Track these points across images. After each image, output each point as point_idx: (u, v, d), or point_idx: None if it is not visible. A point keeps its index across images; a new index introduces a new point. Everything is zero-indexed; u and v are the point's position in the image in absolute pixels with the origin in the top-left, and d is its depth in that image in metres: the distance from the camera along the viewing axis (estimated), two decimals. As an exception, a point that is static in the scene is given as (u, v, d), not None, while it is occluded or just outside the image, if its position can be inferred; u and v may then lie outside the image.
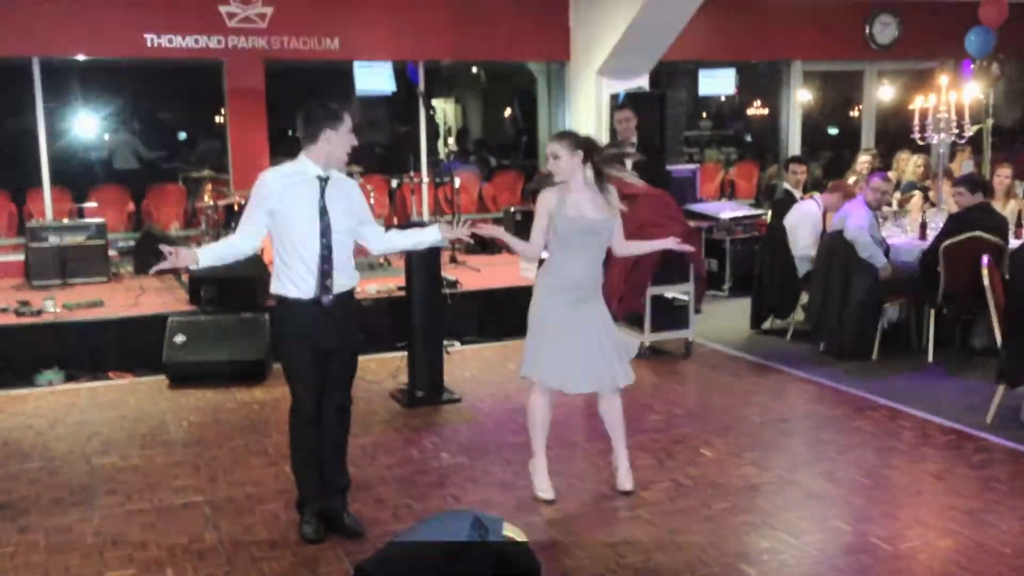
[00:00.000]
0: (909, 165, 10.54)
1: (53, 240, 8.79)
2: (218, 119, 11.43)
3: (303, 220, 4.13)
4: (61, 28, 9.47)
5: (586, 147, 4.54)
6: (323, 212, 4.13)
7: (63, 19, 9.46)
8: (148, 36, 9.76)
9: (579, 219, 4.50)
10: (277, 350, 4.39)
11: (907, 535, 4.24)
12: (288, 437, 4.36)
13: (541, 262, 4.82)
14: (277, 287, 4.22)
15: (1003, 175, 8.59)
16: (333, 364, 4.23)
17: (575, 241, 4.50)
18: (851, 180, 9.17)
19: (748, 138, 15.23)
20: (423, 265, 6.34)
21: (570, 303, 4.53)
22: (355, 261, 9.54)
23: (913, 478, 4.91)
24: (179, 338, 6.88)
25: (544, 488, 4.69)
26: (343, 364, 4.30)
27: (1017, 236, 7.38)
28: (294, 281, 4.14)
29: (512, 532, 2.57)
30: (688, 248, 4.77)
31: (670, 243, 4.79)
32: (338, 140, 4.19)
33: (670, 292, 7.45)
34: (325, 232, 4.12)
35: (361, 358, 7.36)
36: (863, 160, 10.54)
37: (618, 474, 4.76)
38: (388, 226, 10.12)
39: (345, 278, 4.23)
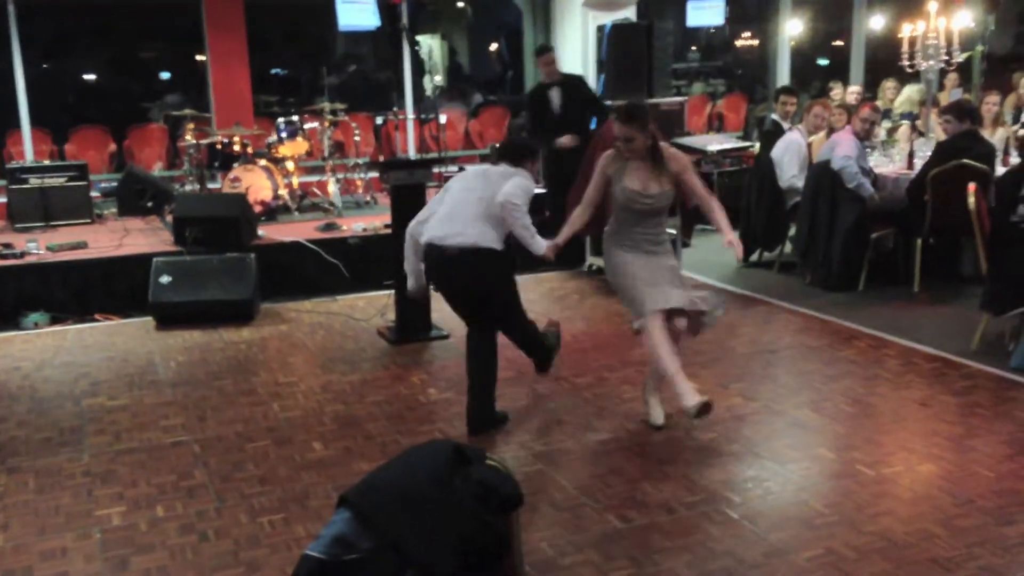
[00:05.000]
0: (903, 95, 10.46)
1: (34, 182, 8.69)
2: (200, 57, 11.24)
3: None
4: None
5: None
6: None
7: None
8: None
9: None
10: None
11: (891, 460, 4.29)
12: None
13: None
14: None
15: (991, 103, 8.54)
16: None
17: None
18: (835, 103, 9.07)
19: (739, 71, 15.08)
20: (409, 203, 6.28)
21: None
22: (342, 199, 9.51)
23: (897, 405, 4.96)
24: (164, 279, 6.85)
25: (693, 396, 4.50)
26: None
27: (1004, 164, 7.36)
28: None
29: (495, 462, 2.58)
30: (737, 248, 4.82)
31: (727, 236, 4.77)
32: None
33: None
34: None
35: (349, 296, 7.47)
36: (852, 90, 10.47)
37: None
38: (373, 162, 10.08)
39: None
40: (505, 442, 4.61)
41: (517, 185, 4.68)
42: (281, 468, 4.37)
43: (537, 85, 8.34)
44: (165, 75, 13.51)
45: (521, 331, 4.97)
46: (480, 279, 4.68)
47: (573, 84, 8.31)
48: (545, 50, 8.29)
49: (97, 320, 7.01)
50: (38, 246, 7.48)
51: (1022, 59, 14.48)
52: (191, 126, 9.30)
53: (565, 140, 7.78)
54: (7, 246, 7.47)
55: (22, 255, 7.30)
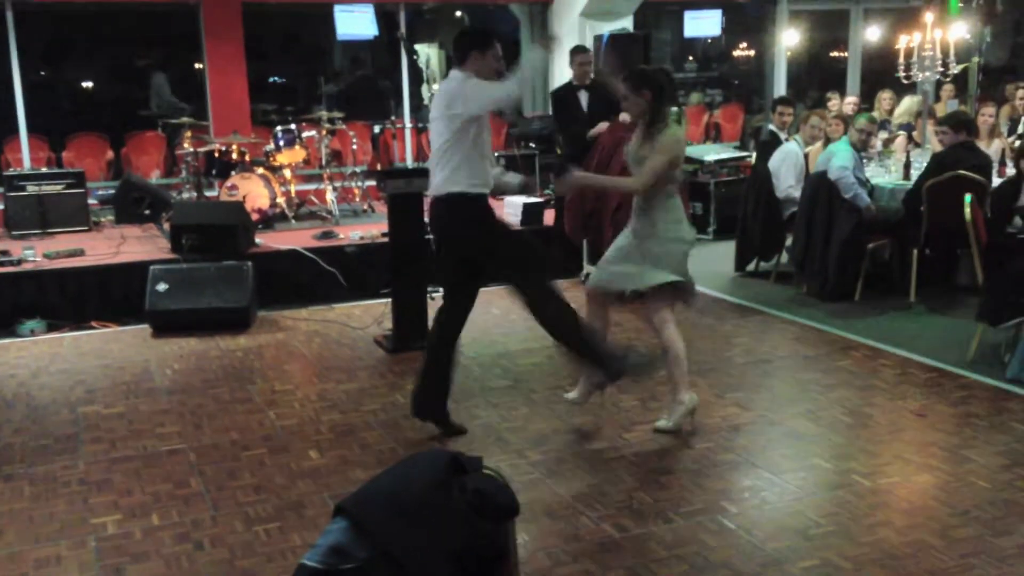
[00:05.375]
0: (903, 106, 10.49)
1: (32, 189, 8.68)
2: (198, 65, 11.26)
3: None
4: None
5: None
6: None
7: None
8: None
9: None
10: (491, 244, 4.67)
11: (887, 471, 4.29)
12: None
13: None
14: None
15: (987, 114, 8.58)
16: None
17: None
18: (831, 114, 9.10)
19: (736, 81, 15.12)
20: (406, 211, 6.29)
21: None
22: (339, 207, 9.45)
23: (894, 416, 4.96)
24: (161, 286, 6.84)
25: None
26: None
27: (1000, 175, 7.38)
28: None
29: (491, 471, 2.58)
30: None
31: None
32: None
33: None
34: None
35: (346, 304, 7.47)
36: (848, 101, 10.50)
37: None
38: (371, 170, 10.09)
39: None
40: (501, 451, 4.61)
41: (469, 97, 4.43)
42: (277, 476, 4.37)
43: (567, 85, 8.32)
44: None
45: (525, 275, 4.66)
46: (451, 226, 4.63)
47: (602, 89, 8.35)
48: (584, 50, 8.31)
49: (93, 327, 7.00)
50: (35, 253, 7.47)
51: (1017, 70, 14.54)
52: (189, 134, 9.31)
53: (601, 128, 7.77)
54: (4, 253, 7.46)
55: (19, 262, 7.29)
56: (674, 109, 4.90)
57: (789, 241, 7.76)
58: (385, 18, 11.45)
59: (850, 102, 10.45)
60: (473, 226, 4.64)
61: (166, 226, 8.14)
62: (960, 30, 9.57)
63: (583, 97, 8.10)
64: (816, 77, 15.07)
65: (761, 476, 4.26)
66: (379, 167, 10.67)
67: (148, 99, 12.21)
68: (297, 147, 9.14)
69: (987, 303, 5.64)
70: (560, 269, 4.69)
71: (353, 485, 4.10)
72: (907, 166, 7.69)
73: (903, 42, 8.23)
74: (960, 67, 8.70)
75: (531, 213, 8.49)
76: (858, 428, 4.81)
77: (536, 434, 4.81)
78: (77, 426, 5.06)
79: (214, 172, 9.10)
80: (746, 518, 3.87)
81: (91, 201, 9.25)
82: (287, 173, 9.15)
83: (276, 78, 14.13)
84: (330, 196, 9.27)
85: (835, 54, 14.37)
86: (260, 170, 8.79)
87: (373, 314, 7.02)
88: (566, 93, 8.27)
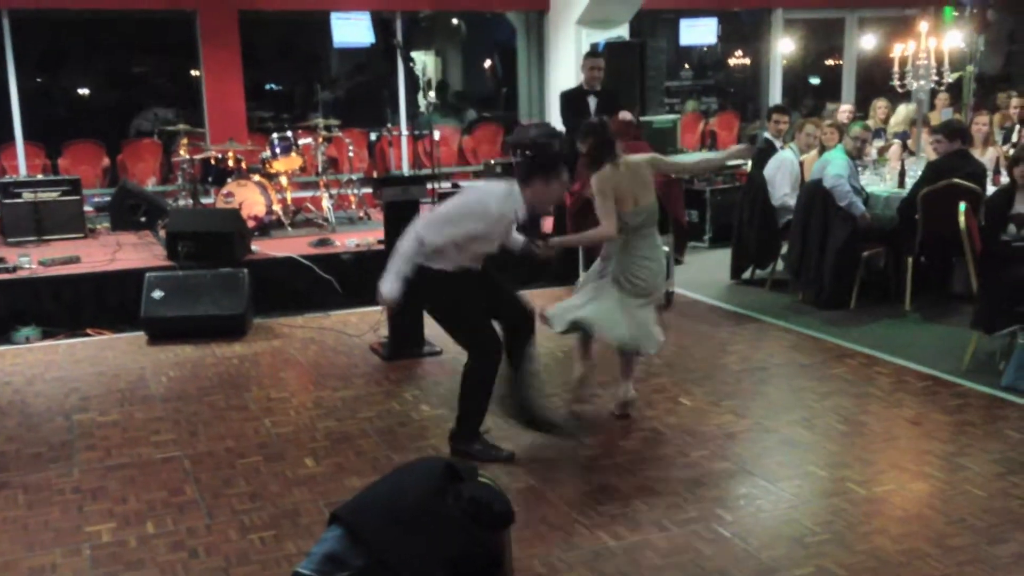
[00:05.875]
0: (900, 114, 10.51)
1: (27, 196, 8.68)
2: (194, 72, 11.26)
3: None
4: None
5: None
6: None
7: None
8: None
9: None
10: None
11: (882, 479, 4.30)
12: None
13: None
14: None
15: (980, 123, 8.60)
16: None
17: None
18: (827, 123, 9.12)
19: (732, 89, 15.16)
20: (402, 218, 6.28)
21: None
22: (335, 215, 9.43)
23: (889, 424, 4.97)
24: (157, 294, 6.84)
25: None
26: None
27: (994, 183, 7.40)
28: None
29: (487, 479, 2.59)
30: None
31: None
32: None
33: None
34: None
35: (341, 312, 7.47)
36: (844, 109, 10.53)
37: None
38: (367, 178, 10.10)
39: None
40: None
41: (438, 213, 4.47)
42: (272, 484, 4.36)
43: (577, 88, 8.37)
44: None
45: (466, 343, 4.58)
46: (421, 296, 4.57)
47: (609, 96, 8.39)
48: (596, 55, 8.35)
49: (89, 335, 6.99)
50: (30, 260, 7.47)
51: (1011, 79, 14.59)
52: (185, 141, 9.31)
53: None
54: (0, 260, 7.45)
55: (14, 269, 7.28)
56: (640, 156, 5.19)
57: (785, 249, 7.77)
58: (381, 26, 11.47)
59: (845, 110, 10.49)
60: (437, 299, 4.55)
61: (162, 233, 8.13)
62: (955, 39, 9.60)
63: (592, 101, 8.15)
64: (811, 86, 15.11)
65: (756, 484, 4.26)
66: (375, 174, 10.67)
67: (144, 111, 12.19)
68: (293, 154, 9.14)
69: (982, 311, 5.65)
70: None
71: (349, 493, 4.10)
72: (902, 174, 7.71)
73: (898, 51, 8.26)
74: (955, 76, 8.73)
75: (529, 221, 8.47)
76: (853, 436, 4.81)
77: (531, 441, 4.80)
78: (72, 434, 5.05)
79: (210, 179, 9.10)
80: (741, 526, 3.87)
81: (87, 208, 9.24)
82: (283, 180, 9.15)
83: (272, 85, 14.12)
84: (326, 203, 9.27)
85: (830, 62, 14.40)
86: (256, 177, 8.79)
87: (369, 321, 7.02)
88: (576, 96, 8.30)
